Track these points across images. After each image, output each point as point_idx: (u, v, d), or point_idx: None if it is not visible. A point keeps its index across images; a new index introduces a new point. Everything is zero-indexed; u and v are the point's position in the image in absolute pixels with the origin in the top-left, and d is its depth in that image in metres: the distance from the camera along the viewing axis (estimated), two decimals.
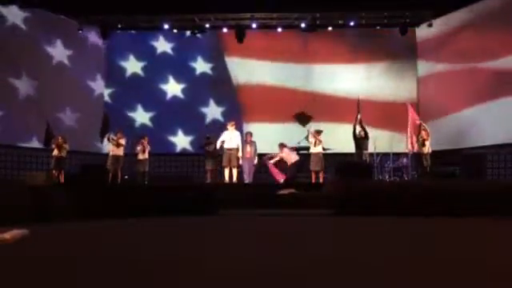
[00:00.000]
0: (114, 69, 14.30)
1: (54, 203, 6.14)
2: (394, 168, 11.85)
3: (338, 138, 11.91)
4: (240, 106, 13.96)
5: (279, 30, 13.85)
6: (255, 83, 14.00)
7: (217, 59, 14.25)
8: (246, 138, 11.11)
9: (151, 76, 14.23)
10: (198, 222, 6.02)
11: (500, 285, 2.20)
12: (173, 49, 14.38)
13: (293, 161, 10.96)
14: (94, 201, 6.46)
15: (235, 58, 14.14)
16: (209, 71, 14.29)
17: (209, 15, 13.53)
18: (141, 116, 14.17)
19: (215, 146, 11.04)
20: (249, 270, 2.60)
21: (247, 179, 10.96)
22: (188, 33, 13.96)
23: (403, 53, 13.79)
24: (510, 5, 11.32)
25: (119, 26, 13.79)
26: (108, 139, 11.32)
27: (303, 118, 11.93)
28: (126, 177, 11.85)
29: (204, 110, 14.14)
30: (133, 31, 14.26)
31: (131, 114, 14.15)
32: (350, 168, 9.36)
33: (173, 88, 14.25)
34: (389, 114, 13.14)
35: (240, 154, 10.75)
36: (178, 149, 14.08)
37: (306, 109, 12.46)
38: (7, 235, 3.68)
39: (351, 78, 13.78)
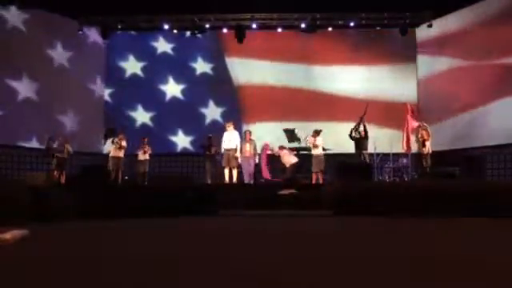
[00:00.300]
0: (114, 69, 14.33)
1: (54, 203, 6.14)
2: (394, 168, 11.85)
3: (338, 138, 11.91)
4: (240, 106, 13.98)
5: (279, 30, 13.86)
6: (255, 84, 14.02)
7: (217, 59, 14.27)
8: (246, 137, 11.07)
9: (151, 76, 14.25)
10: (198, 222, 6.03)
11: (500, 285, 2.20)
12: (173, 49, 14.41)
13: (292, 161, 10.95)
14: (94, 201, 6.46)
15: (235, 59, 14.16)
16: (209, 71, 14.33)
17: (209, 15, 13.55)
18: (141, 116, 14.18)
19: (216, 150, 11.01)
20: (249, 270, 2.60)
21: (247, 179, 10.88)
22: (188, 33, 13.97)
23: (403, 53, 13.81)
24: (510, 5, 11.33)
25: (119, 27, 13.79)
26: (112, 142, 11.31)
27: (292, 136, 11.75)
28: (127, 177, 11.86)
29: (204, 110, 14.16)
30: (133, 31, 14.27)
31: (132, 114, 14.17)
32: (350, 168, 9.36)
33: (173, 88, 14.26)
34: (389, 114, 13.17)
35: (238, 153, 10.72)
36: (179, 149, 14.10)
37: (297, 129, 11.95)
38: (7, 235, 3.68)
39: (351, 79, 13.80)
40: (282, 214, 7.11)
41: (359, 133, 10.76)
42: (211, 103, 14.17)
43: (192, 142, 14.04)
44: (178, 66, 14.26)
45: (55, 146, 10.85)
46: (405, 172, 11.73)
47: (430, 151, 10.66)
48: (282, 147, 11.19)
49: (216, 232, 4.94)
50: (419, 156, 10.93)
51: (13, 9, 11.93)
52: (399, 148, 11.81)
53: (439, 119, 12.71)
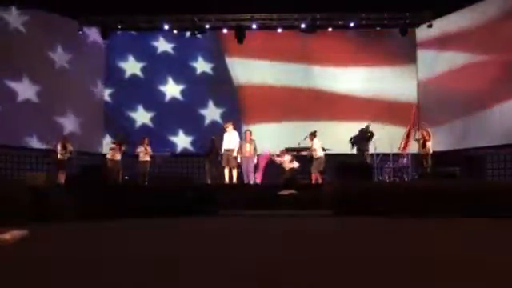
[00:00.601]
0: (114, 69, 14.32)
1: (54, 204, 6.14)
2: (394, 168, 11.85)
3: (338, 138, 11.91)
4: (240, 107, 13.96)
5: (279, 30, 13.85)
6: (255, 84, 14.01)
7: (217, 60, 14.26)
8: (246, 137, 11.04)
9: (151, 77, 14.23)
10: (198, 222, 6.02)
11: (500, 285, 2.20)
12: (172, 50, 14.39)
13: (293, 166, 10.96)
14: (93, 201, 6.45)
15: (235, 59, 14.16)
16: (208, 71, 14.30)
17: (209, 16, 13.54)
18: (141, 116, 14.17)
19: (218, 151, 10.99)
20: (249, 270, 2.60)
21: (248, 179, 10.83)
22: (188, 33, 13.97)
23: (403, 53, 13.80)
24: (510, 5, 11.33)
25: (119, 27, 13.78)
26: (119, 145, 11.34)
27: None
28: (127, 177, 11.86)
29: (204, 111, 14.14)
30: (133, 32, 14.26)
31: (132, 114, 14.16)
32: (350, 169, 9.36)
33: (172, 89, 14.24)
34: (389, 115, 13.18)
35: (235, 153, 10.69)
36: (179, 149, 14.09)
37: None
38: (7, 236, 3.68)
39: (351, 79, 13.80)
40: (282, 214, 7.11)
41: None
42: (211, 104, 14.16)
43: (192, 143, 14.03)
44: (177, 67, 14.25)
45: (58, 146, 10.81)
46: (405, 172, 11.74)
47: (431, 151, 10.67)
48: (283, 152, 11.18)
49: (216, 232, 4.94)
50: (420, 156, 10.94)
51: (13, 9, 11.92)
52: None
53: (439, 119, 12.71)
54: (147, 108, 14.17)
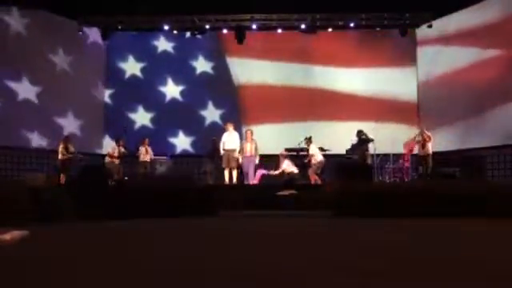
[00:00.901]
0: (114, 70, 14.30)
1: (54, 204, 6.14)
2: (394, 169, 11.86)
3: (338, 138, 11.92)
4: (240, 107, 13.95)
5: (279, 31, 13.85)
6: (255, 85, 14.00)
7: (217, 60, 14.25)
8: (247, 136, 10.98)
9: (151, 77, 14.22)
10: (198, 222, 6.02)
11: (500, 285, 2.20)
12: (172, 49, 14.37)
13: (293, 170, 10.97)
14: (94, 202, 6.45)
15: (235, 60, 14.15)
16: (209, 72, 14.28)
17: (209, 16, 13.54)
18: (141, 117, 14.15)
19: (218, 155, 10.97)
20: (249, 270, 2.60)
21: (249, 180, 10.75)
22: (188, 34, 13.96)
23: (403, 54, 13.80)
24: (510, 6, 11.33)
25: (119, 27, 13.76)
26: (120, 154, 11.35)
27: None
28: (127, 178, 11.84)
29: (204, 111, 14.13)
30: (133, 32, 14.24)
31: (131, 115, 14.15)
32: (350, 169, 9.35)
33: (172, 90, 14.23)
34: (389, 115, 13.19)
35: (237, 154, 10.66)
36: (179, 150, 14.07)
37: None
38: (7, 236, 3.68)
39: (351, 79, 13.80)
40: (282, 215, 7.11)
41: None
42: (211, 104, 14.14)
43: (192, 144, 14.02)
44: (177, 67, 14.21)
45: (60, 147, 10.74)
46: (405, 173, 11.74)
47: (431, 153, 10.68)
48: (285, 154, 11.15)
49: (216, 232, 4.94)
50: (419, 158, 10.95)
51: (13, 10, 11.93)
52: (399, 149, 11.83)
53: (439, 119, 12.71)
54: (147, 109, 14.16)
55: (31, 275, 2.50)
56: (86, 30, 13.51)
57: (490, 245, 3.70)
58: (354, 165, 10.33)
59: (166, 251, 3.45)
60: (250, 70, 14.04)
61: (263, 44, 14.01)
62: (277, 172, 11.01)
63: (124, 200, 6.75)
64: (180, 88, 14.24)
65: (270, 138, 12.70)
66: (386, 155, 11.97)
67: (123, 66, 14.32)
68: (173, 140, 14.07)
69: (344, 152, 11.53)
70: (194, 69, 14.30)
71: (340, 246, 3.76)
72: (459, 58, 12.48)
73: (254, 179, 10.85)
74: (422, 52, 13.73)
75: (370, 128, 11.96)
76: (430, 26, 13.08)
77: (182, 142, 14.11)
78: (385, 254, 3.22)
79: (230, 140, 10.76)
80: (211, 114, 14.11)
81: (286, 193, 8.54)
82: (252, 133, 11.09)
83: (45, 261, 2.98)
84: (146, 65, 14.30)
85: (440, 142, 11.89)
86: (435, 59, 13.26)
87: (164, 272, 2.53)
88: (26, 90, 12.06)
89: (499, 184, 9.19)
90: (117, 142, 11.52)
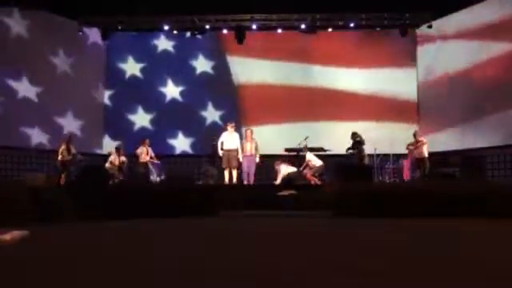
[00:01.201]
0: (114, 70, 14.28)
1: (54, 204, 6.14)
2: (394, 169, 11.86)
3: (338, 138, 11.92)
4: (240, 108, 13.94)
5: (279, 31, 13.84)
6: (255, 85, 13.99)
7: (217, 61, 14.24)
8: (246, 136, 10.95)
9: (150, 78, 14.20)
10: (198, 222, 6.02)
11: (500, 285, 2.20)
12: (172, 49, 14.36)
13: (292, 171, 10.97)
14: (94, 202, 6.45)
15: (235, 60, 14.14)
16: (209, 72, 14.26)
17: (209, 16, 13.53)
18: (141, 118, 14.13)
19: (218, 157, 10.95)
20: (249, 270, 2.60)
21: (248, 180, 10.73)
22: (188, 34, 13.95)
23: (403, 54, 13.80)
24: (510, 6, 11.33)
25: (119, 27, 13.76)
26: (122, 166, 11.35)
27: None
28: (126, 178, 11.84)
29: (204, 112, 14.11)
30: (133, 32, 14.23)
31: (131, 116, 14.12)
32: (350, 169, 9.35)
33: (172, 90, 14.22)
34: (389, 115, 13.19)
35: (236, 154, 10.63)
36: (178, 151, 14.05)
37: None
38: (7, 236, 3.68)
39: (352, 79, 13.79)
40: (282, 215, 7.10)
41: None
42: (211, 105, 14.13)
43: (192, 145, 14.01)
44: (177, 68, 14.17)
45: (62, 148, 10.67)
46: (405, 174, 11.75)
47: (426, 155, 10.69)
48: (277, 164, 11.14)
49: (216, 232, 4.94)
50: (417, 160, 10.93)
51: (14, 11, 11.93)
52: (400, 149, 11.81)
53: (439, 119, 12.72)
54: (147, 109, 14.13)
55: (31, 275, 2.50)
56: (85, 30, 13.50)
57: (490, 245, 3.70)
58: (354, 165, 10.33)
59: (166, 251, 3.45)
60: (250, 70, 14.03)
61: (263, 44, 14.00)
62: (278, 181, 10.89)
63: (124, 200, 6.75)
64: (180, 88, 14.22)
65: (270, 138, 12.70)
66: (386, 155, 11.97)
67: (123, 66, 14.30)
68: (173, 141, 14.05)
69: (344, 152, 11.52)
70: (193, 69, 14.29)
71: (340, 246, 3.76)
72: (459, 57, 12.48)
73: (253, 178, 10.83)
74: (422, 52, 13.73)
75: (370, 128, 11.99)
76: (430, 26, 13.08)
77: (181, 142, 14.09)
78: (385, 253, 3.22)
79: (230, 140, 10.72)
80: (211, 114, 14.09)
81: (285, 193, 8.54)
82: (252, 132, 11.05)
83: (45, 261, 2.98)
84: (146, 65, 14.28)
85: (440, 141, 11.89)
86: (435, 59, 13.27)
87: (164, 272, 2.53)
88: (26, 90, 12.05)
89: (499, 184, 9.19)
90: (117, 150, 11.47)
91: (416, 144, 10.78)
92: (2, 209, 5.21)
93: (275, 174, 11.14)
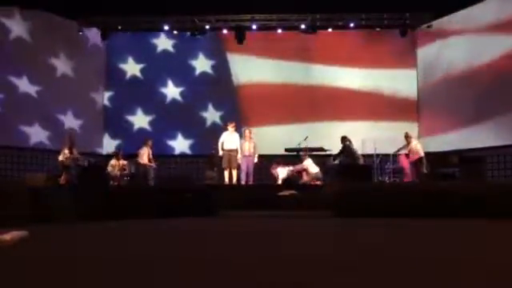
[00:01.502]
0: (114, 71, 14.27)
1: (54, 204, 6.14)
2: (394, 169, 11.85)
3: (338, 138, 11.88)
4: (240, 108, 13.93)
5: (279, 31, 13.84)
6: (255, 85, 13.98)
7: (217, 61, 14.23)
8: (245, 135, 10.95)
9: (150, 78, 14.19)
10: (198, 222, 6.02)
11: (500, 285, 2.20)
12: (172, 48, 14.35)
13: (289, 170, 10.97)
14: (94, 202, 6.45)
15: (235, 60, 14.13)
16: (209, 72, 14.26)
17: (209, 16, 13.53)
18: (140, 119, 14.10)
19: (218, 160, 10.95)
20: (249, 270, 2.60)
21: (246, 179, 10.70)
22: (188, 34, 13.95)
23: (403, 54, 13.80)
24: (510, 7, 11.33)
25: (119, 28, 13.75)
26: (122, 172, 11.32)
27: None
28: (126, 178, 11.83)
29: (204, 112, 14.10)
30: (132, 32, 14.21)
31: (130, 117, 14.10)
32: (350, 170, 9.35)
33: (172, 91, 14.21)
34: (389, 115, 13.18)
35: (237, 154, 10.64)
36: (178, 152, 14.03)
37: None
38: (7, 236, 3.67)
39: (352, 79, 13.79)
40: (282, 215, 7.10)
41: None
42: (211, 105, 14.12)
43: (191, 146, 13.99)
44: (177, 68, 14.16)
45: (64, 150, 10.57)
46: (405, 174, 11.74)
47: (423, 155, 10.68)
48: (273, 168, 11.15)
49: (216, 233, 4.94)
50: (415, 161, 10.90)
51: (15, 11, 11.94)
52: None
53: (439, 119, 12.72)
54: (146, 110, 14.10)
55: (31, 275, 2.50)
56: (85, 30, 13.50)
57: (490, 245, 3.70)
58: (354, 165, 10.32)
59: (165, 251, 3.45)
60: (250, 70, 14.03)
61: (263, 44, 14.00)
62: (280, 179, 10.89)
63: (124, 200, 6.75)
64: (180, 89, 14.21)
65: (270, 138, 12.71)
66: (386, 155, 11.97)
67: (123, 66, 14.28)
68: (172, 142, 14.03)
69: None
70: (193, 69, 14.28)
71: (340, 245, 3.76)
72: (459, 58, 12.48)
73: (252, 178, 10.83)
74: (422, 52, 13.72)
75: (370, 128, 11.97)
76: (429, 27, 13.09)
77: (181, 144, 14.06)
78: (385, 253, 3.22)
79: (230, 140, 10.73)
80: (211, 114, 14.08)
81: (286, 193, 8.54)
82: (250, 132, 11.07)
83: (45, 261, 2.98)
84: (146, 65, 14.27)
85: (440, 141, 11.88)
86: (435, 59, 13.27)
87: (164, 272, 2.53)
88: (26, 90, 12.05)
89: (499, 184, 9.19)
90: (116, 156, 11.44)
91: (407, 146, 10.78)
92: (2, 208, 5.21)
93: (272, 177, 11.17)
